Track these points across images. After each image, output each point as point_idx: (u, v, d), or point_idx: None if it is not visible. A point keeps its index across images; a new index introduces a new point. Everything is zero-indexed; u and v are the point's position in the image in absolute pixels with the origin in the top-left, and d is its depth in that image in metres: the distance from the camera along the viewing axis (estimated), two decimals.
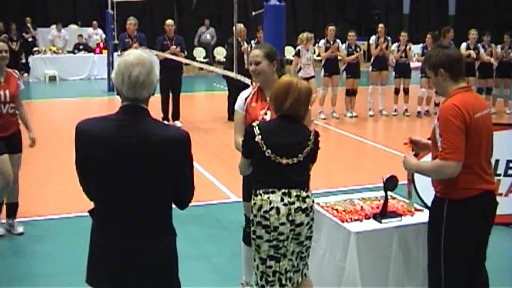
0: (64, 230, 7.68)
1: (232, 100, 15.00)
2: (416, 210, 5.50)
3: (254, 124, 4.62)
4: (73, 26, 26.48)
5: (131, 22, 14.71)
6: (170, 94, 14.34)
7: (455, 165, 4.38)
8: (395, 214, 5.28)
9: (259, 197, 4.54)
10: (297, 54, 14.50)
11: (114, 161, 3.37)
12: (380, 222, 5.17)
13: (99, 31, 25.29)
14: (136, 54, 3.46)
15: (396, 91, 16.01)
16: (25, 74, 23.81)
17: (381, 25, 16.33)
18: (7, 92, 7.17)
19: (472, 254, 4.67)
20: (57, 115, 16.62)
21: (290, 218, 4.47)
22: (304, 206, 4.52)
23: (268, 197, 4.49)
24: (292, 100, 4.52)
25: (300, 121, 4.63)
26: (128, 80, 3.38)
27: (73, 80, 22.92)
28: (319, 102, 15.13)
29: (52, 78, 22.83)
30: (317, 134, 4.66)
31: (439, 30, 16.76)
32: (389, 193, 5.26)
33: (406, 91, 15.91)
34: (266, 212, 4.48)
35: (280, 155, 4.48)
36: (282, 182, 4.51)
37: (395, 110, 16.07)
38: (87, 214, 3.63)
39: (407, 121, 15.61)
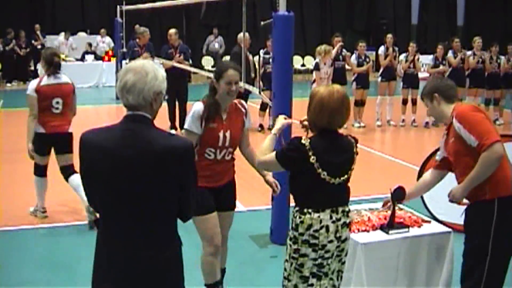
0: (71, 237, 7.69)
1: None
2: (424, 221, 5.50)
3: (304, 141, 4.33)
4: (81, 34, 26.55)
5: (147, 33, 14.85)
6: (177, 103, 14.37)
7: (497, 145, 4.45)
8: (403, 225, 5.28)
9: (307, 215, 4.37)
10: (316, 68, 14.24)
11: (118, 171, 3.37)
12: (388, 233, 5.17)
13: (107, 39, 25.34)
14: (138, 62, 3.51)
15: (404, 102, 15.99)
16: None
17: (389, 35, 16.30)
18: (227, 134, 5.38)
19: None
20: None
21: (338, 234, 4.38)
22: (348, 220, 4.46)
23: (319, 216, 4.35)
24: (347, 112, 4.44)
25: (340, 133, 4.48)
26: (119, 84, 3.44)
27: (81, 88, 22.91)
28: None
29: None
30: (357, 141, 4.56)
31: (448, 40, 16.78)
32: (396, 204, 5.26)
33: (414, 102, 15.88)
34: (316, 231, 4.34)
35: (334, 176, 4.35)
36: (332, 201, 4.40)
37: (403, 121, 16.05)
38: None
39: (414, 131, 15.59)
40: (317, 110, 4.36)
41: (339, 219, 4.37)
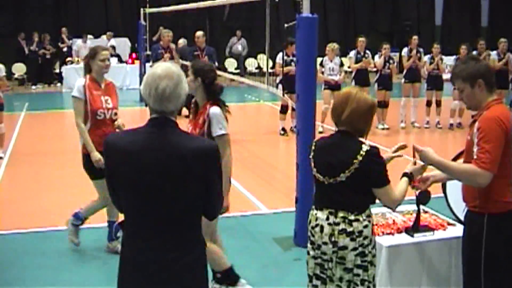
0: (89, 240, 7.71)
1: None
2: (449, 224, 5.46)
3: (315, 139, 4.54)
4: (105, 37, 26.70)
5: (169, 33, 14.86)
6: None
7: (489, 175, 4.27)
8: (428, 228, 5.24)
9: (311, 211, 4.46)
10: (320, 64, 14.47)
11: (143, 174, 3.38)
12: (412, 236, 5.13)
13: (111, 42, 25.39)
14: (164, 67, 3.48)
15: (428, 103, 15.90)
16: (58, 84, 24.07)
17: (415, 37, 16.23)
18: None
19: None
20: None
21: (333, 239, 4.29)
22: (349, 229, 4.27)
23: (316, 214, 4.39)
24: (350, 110, 4.35)
25: (356, 138, 4.39)
26: (155, 93, 3.39)
27: None
28: None
29: None
30: (372, 152, 4.30)
31: (472, 41, 16.69)
32: (421, 207, 5.22)
33: (439, 103, 15.79)
34: (312, 228, 4.39)
35: (322, 174, 4.35)
36: (328, 202, 4.35)
37: (427, 122, 15.95)
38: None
39: (439, 133, 15.50)
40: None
41: (337, 224, 4.28)
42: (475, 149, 4.36)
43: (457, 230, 5.32)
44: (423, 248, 5.12)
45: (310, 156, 4.46)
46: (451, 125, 15.75)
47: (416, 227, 5.17)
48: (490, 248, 4.45)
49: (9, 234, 7.92)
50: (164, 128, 3.43)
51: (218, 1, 12.90)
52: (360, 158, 4.23)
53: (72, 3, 27.56)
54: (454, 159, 6.39)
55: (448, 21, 32.55)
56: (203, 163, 3.40)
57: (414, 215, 5.26)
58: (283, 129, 14.75)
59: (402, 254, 5.03)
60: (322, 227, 4.33)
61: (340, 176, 4.26)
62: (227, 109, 5.67)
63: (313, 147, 4.48)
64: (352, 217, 4.29)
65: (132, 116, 16.78)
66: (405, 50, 16.05)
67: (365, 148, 4.27)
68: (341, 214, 4.30)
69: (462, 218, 6.06)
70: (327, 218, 4.32)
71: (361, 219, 4.31)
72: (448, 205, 7.21)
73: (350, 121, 4.36)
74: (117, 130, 6.65)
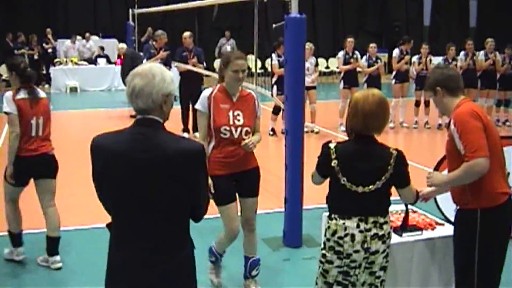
0: (80, 241, 7.69)
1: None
2: (438, 224, 5.47)
3: (331, 145, 4.37)
4: (94, 37, 26.66)
5: (165, 36, 14.91)
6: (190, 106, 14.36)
7: (483, 160, 4.31)
8: (416, 228, 5.26)
9: (334, 221, 4.34)
10: None
11: (129, 175, 3.37)
12: (401, 235, 5.14)
13: (89, 43, 25.36)
14: (145, 66, 3.50)
15: (417, 103, 15.95)
16: (46, 85, 24.00)
17: (411, 41, 16.31)
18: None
19: (503, 264, 4.63)
20: (78, 126, 16.71)
21: (365, 245, 4.27)
22: (381, 233, 4.31)
23: (344, 223, 4.29)
24: (386, 115, 4.38)
25: (379, 143, 4.41)
26: (127, 90, 3.44)
27: (94, 91, 23.04)
28: (339, 115, 15.12)
29: (73, 89, 22.98)
30: (400, 155, 4.35)
31: (460, 42, 16.75)
32: (409, 206, 5.23)
33: (427, 103, 15.81)
34: (340, 238, 4.29)
35: (356, 183, 4.26)
36: (358, 210, 4.29)
37: (416, 122, 16.01)
38: (103, 226, 3.65)
39: (427, 133, 15.54)
40: (352, 114, 4.37)
41: (368, 230, 4.26)
42: (461, 146, 4.41)
43: (446, 230, 5.34)
44: (411, 248, 5.13)
45: (333, 164, 4.32)
46: (440, 125, 15.79)
47: (404, 227, 5.18)
48: (484, 244, 4.49)
49: (1, 236, 7.87)
50: (149, 128, 3.43)
51: (207, 1, 12.86)
52: (393, 163, 4.27)
53: (61, 3, 27.48)
54: (438, 164, 6.41)
55: (436, 21, 32.61)
56: (188, 164, 3.39)
57: (403, 215, 5.27)
58: (273, 129, 14.74)
59: (391, 253, 5.03)
60: (353, 236, 4.27)
61: (376, 183, 4.25)
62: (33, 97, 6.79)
63: (333, 155, 4.33)
64: (382, 220, 4.32)
65: (121, 117, 16.76)
66: (396, 51, 16.07)
67: (394, 152, 4.31)
68: (371, 220, 4.29)
69: (450, 218, 6.08)
70: (358, 226, 4.27)
71: (388, 220, 4.36)
72: (437, 204, 7.24)
73: (383, 126, 4.41)
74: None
